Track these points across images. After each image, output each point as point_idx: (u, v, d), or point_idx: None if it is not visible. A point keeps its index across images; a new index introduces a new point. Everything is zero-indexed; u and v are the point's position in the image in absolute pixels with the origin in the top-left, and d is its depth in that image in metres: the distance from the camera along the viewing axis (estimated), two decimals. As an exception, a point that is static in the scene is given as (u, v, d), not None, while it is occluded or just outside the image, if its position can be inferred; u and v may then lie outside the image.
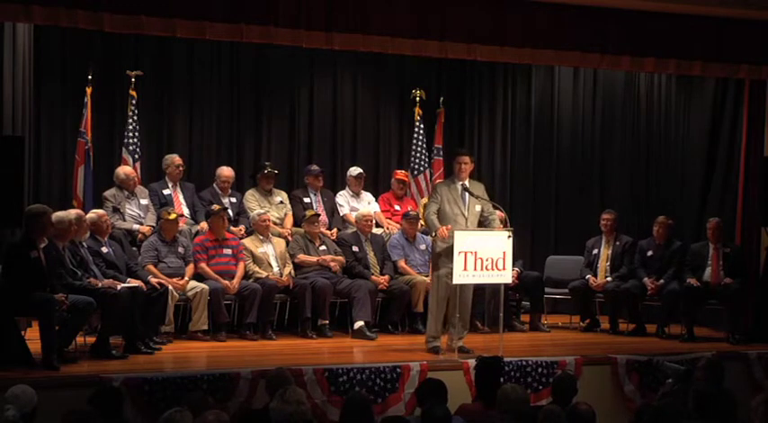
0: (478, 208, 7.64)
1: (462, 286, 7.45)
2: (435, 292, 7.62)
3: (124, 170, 8.59)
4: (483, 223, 7.68)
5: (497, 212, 7.80)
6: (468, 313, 7.72)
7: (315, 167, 9.40)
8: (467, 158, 7.65)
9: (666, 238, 9.14)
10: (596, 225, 9.45)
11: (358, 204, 9.50)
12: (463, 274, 7.21)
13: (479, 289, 8.57)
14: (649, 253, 9.13)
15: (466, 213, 7.56)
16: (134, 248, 8.21)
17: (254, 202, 9.02)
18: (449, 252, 7.32)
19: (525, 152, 10.93)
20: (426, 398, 5.29)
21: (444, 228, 7.36)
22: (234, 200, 9.06)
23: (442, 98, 10.34)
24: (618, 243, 9.28)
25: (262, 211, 8.75)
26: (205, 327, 8.01)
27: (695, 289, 8.69)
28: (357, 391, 6.48)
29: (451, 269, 7.28)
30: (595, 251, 9.33)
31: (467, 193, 7.58)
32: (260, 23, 7.23)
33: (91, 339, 7.19)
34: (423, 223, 7.62)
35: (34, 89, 8.69)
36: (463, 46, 7.82)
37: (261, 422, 4.86)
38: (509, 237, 7.36)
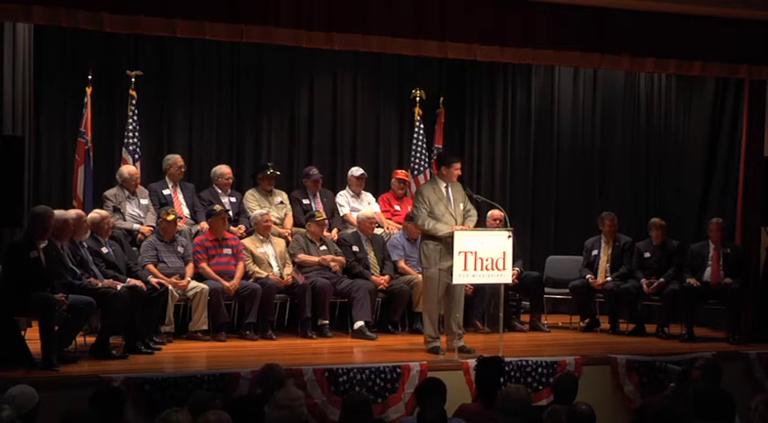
0: (461, 206, 7.67)
1: (452, 286, 7.47)
2: (428, 293, 7.62)
3: (128, 170, 8.59)
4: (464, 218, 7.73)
5: (496, 211, 7.78)
6: (460, 313, 7.71)
7: (315, 172, 9.31)
8: (460, 164, 7.78)
9: (663, 239, 9.14)
10: (596, 225, 9.44)
11: (358, 204, 9.49)
12: (463, 274, 7.23)
13: (479, 289, 8.60)
14: (646, 255, 9.14)
15: (453, 212, 7.58)
16: (134, 248, 8.20)
17: (253, 202, 9.01)
18: (440, 251, 7.37)
19: (525, 152, 10.93)
20: (426, 398, 5.29)
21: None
22: (234, 200, 9.05)
23: (442, 98, 10.34)
24: (617, 243, 9.28)
25: (263, 211, 8.75)
26: (205, 327, 8.01)
27: (695, 289, 8.70)
28: (357, 391, 6.49)
29: (444, 268, 7.32)
30: (595, 252, 9.32)
31: (451, 193, 7.61)
32: (260, 23, 7.22)
33: (91, 339, 7.19)
34: (421, 228, 7.57)
35: (34, 89, 8.67)
36: (463, 46, 7.81)
37: (254, 408, 4.84)
38: (509, 237, 7.38)
